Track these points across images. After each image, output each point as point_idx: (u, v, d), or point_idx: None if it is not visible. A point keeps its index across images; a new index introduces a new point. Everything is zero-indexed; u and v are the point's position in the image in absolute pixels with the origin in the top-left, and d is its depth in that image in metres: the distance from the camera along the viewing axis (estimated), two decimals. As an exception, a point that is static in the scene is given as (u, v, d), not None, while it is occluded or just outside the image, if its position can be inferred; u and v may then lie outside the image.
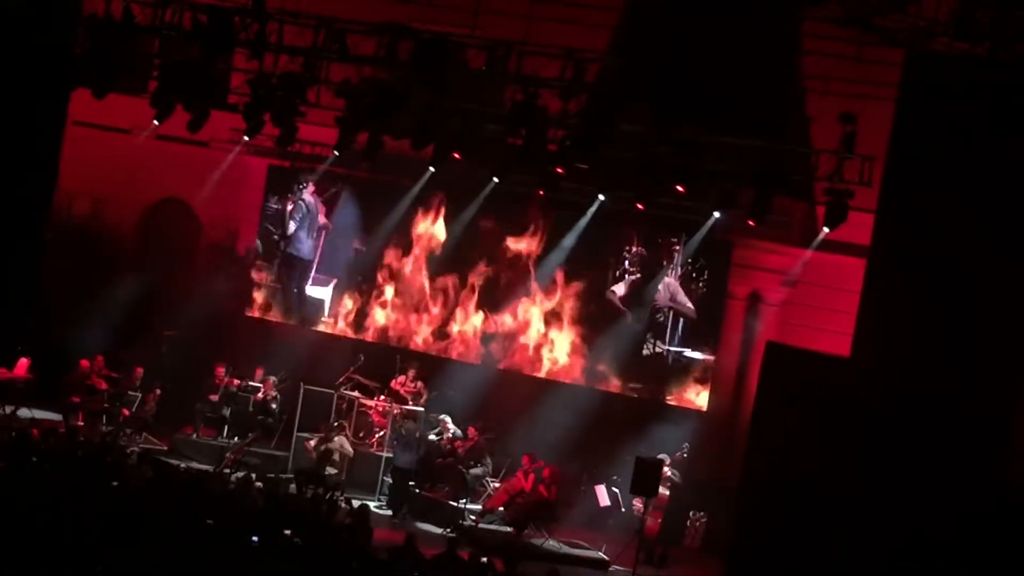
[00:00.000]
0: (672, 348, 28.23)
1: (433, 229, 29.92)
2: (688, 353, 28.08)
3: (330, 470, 26.40)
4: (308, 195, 30.44)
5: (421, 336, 30.13)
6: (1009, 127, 20.53)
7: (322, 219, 30.48)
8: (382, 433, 27.91)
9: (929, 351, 20.77)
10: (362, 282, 30.53)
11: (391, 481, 26.90)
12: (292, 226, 30.65)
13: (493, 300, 29.61)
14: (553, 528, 26.05)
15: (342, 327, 30.62)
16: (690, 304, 28.09)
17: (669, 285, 28.21)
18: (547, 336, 29.14)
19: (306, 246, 30.71)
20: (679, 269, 28.08)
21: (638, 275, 28.44)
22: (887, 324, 21.34)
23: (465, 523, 25.84)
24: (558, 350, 29.06)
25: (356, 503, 23.41)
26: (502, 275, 29.51)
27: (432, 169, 25.87)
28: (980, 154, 20.61)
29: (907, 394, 20.34)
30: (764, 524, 21.33)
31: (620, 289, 28.63)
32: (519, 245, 29.27)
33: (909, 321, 21.05)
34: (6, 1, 24.32)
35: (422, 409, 28.23)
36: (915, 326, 20.98)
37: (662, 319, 28.26)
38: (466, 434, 27.45)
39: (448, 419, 27.80)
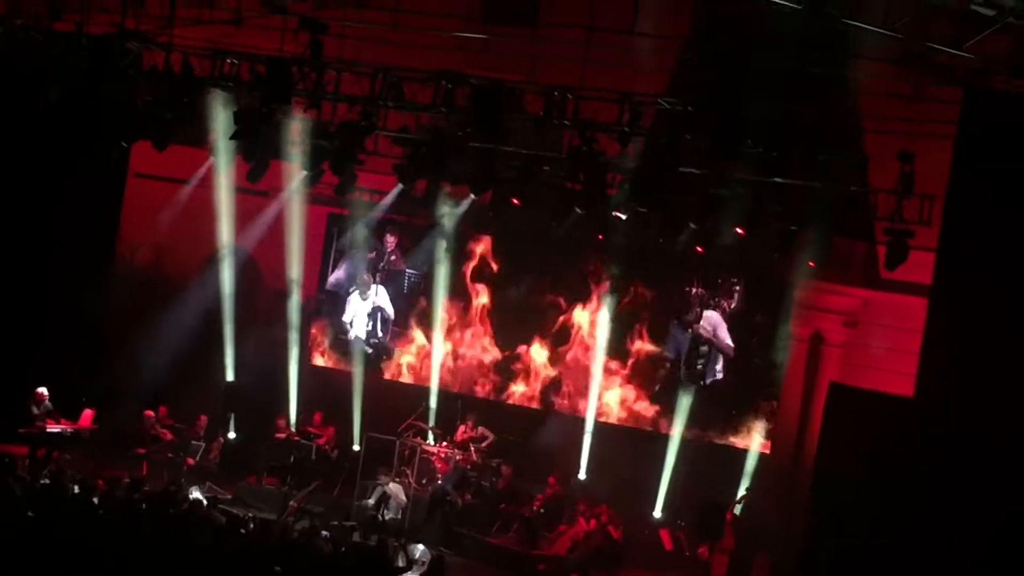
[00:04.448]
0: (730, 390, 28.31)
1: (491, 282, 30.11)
2: (749, 394, 28.21)
3: (388, 516, 26.43)
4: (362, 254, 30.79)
5: (479, 384, 30.20)
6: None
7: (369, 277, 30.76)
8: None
9: (994, 390, 20.62)
10: (416, 333, 30.69)
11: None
12: (336, 277, 30.99)
13: (552, 351, 29.67)
14: (617, 572, 25.94)
15: (404, 376, 30.74)
16: (729, 341, 28.10)
17: (711, 318, 28.20)
18: (606, 383, 29.14)
19: (346, 302, 30.96)
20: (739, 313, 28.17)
21: (698, 321, 28.45)
22: (950, 363, 21.21)
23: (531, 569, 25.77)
24: (618, 396, 29.06)
25: (418, 549, 23.46)
26: (562, 327, 29.60)
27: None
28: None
29: (973, 434, 20.20)
30: (829, 566, 21.20)
31: (671, 353, 28.71)
32: (577, 307, 29.41)
33: (973, 360, 20.91)
34: (69, 56, 24.58)
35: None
36: (979, 365, 20.84)
37: (704, 357, 28.27)
38: (546, 482, 27.52)
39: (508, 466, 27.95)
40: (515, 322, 30.01)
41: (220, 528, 20.51)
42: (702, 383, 28.39)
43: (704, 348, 28.34)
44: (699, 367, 28.40)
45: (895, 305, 26.74)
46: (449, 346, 30.35)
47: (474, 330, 30.24)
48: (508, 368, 30.06)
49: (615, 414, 29.13)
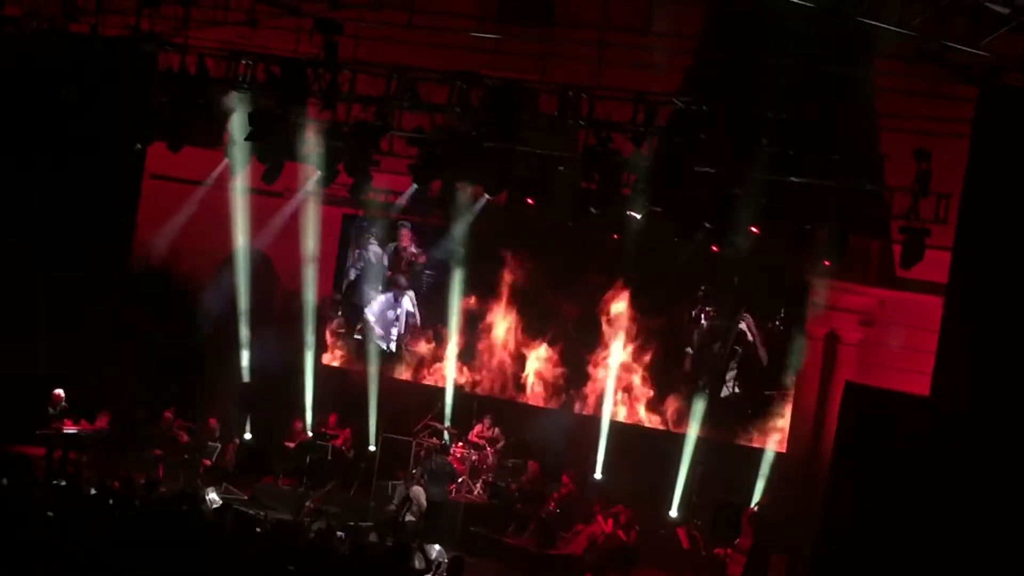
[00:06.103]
0: (745, 389, 28.25)
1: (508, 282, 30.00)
2: (765, 393, 28.15)
3: (408, 518, 26.41)
4: (375, 248, 30.75)
5: (496, 384, 30.14)
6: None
7: (403, 280, 30.71)
8: (462, 480, 27.93)
9: (1010, 388, 20.56)
10: (434, 333, 30.65)
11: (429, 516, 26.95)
12: (353, 274, 31.00)
13: (569, 351, 29.60)
14: (633, 572, 25.92)
15: (420, 376, 30.73)
16: (763, 352, 28.03)
17: (751, 326, 28.12)
18: (622, 382, 29.08)
19: (367, 297, 30.92)
20: (754, 312, 28.09)
21: (714, 320, 28.40)
22: (966, 362, 21.14)
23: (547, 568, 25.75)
24: (634, 395, 29.01)
25: (435, 550, 23.43)
26: (578, 327, 29.51)
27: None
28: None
29: (989, 433, 20.14)
30: (845, 565, 21.17)
31: (689, 350, 28.66)
32: (594, 298, 29.28)
33: (989, 359, 20.85)
34: (86, 58, 24.65)
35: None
36: (995, 363, 20.78)
37: (735, 363, 28.22)
38: (560, 481, 27.48)
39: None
40: (535, 321, 29.91)
41: (236, 529, 20.51)
42: (722, 392, 28.40)
43: (734, 363, 28.31)
44: (723, 380, 28.41)
45: (911, 304, 26.68)
46: (465, 345, 30.32)
47: (492, 330, 30.18)
48: (526, 368, 30.03)
49: (631, 414, 29.06)
